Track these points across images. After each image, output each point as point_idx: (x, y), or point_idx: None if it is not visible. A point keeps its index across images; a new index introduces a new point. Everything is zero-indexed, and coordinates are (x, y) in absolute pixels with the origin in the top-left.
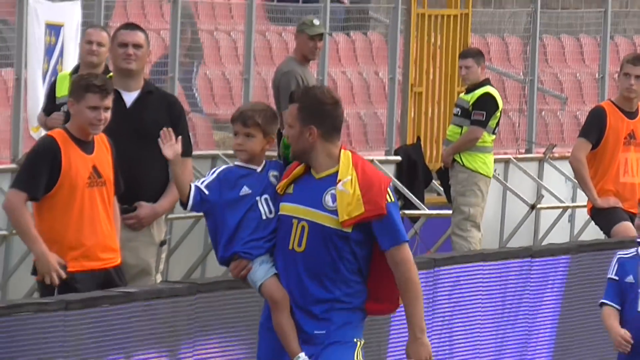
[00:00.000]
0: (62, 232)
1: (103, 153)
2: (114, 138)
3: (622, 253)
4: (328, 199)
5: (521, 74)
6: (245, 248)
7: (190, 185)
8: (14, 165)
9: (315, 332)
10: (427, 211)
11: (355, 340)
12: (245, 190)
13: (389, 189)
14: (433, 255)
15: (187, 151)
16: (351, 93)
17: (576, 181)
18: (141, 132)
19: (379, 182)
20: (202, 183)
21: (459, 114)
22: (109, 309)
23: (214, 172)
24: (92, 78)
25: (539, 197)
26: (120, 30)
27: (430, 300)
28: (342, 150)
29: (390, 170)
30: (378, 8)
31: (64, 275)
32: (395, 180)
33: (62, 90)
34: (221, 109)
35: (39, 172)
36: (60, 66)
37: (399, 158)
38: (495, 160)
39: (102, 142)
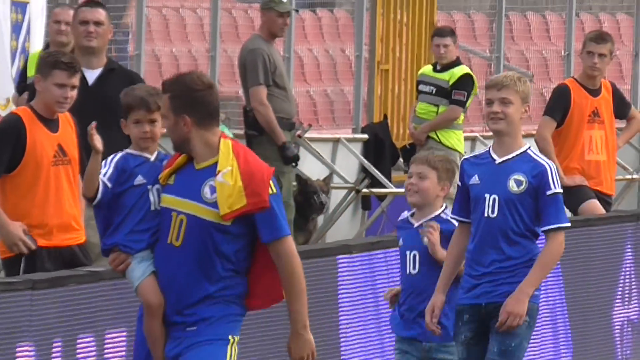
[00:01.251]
0: (27, 210)
1: (68, 132)
2: (77, 115)
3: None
4: (207, 190)
5: (487, 51)
6: (126, 240)
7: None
8: None
9: (187, 329)
10: (394, 189)
11: (229, 336)
12: (139, 179)
13: (271, 180)
14: None
15: None
16: (318, 70)
17: None
18: (104, 110)
19: (261, 173)
20: (104, 176)
21: (434, 92)
22: (76, 288)
23: (110, 161)
24: (59, 55)
25: None
26: (81, 7)
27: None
28: (222, 139)
29: (357, 148)
30: None
31: (32, 245)
32: (362, 158)
33: (33, 70)
34: None
35: (2, 149)
36: (28, 44)
37: (365, 136)
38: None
39: (67, 121)
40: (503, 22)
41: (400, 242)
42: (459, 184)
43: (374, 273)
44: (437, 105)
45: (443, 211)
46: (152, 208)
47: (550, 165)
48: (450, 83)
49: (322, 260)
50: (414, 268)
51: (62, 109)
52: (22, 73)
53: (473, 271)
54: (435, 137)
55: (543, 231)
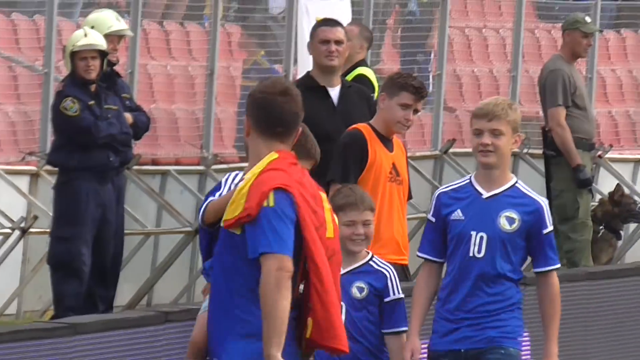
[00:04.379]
0: None
1: (400, 153)
2: (326, 134)
3: None
4: None
5: None
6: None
7: None
8: None
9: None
10: None
11: None
12: None
13: (272, 193)
14: None
15: None
16: (620, 91)
17: None
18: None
19: (269, 184)
20: (219, 196)
21: None
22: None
23: (228, 181)
24: (410, 78)
25: None
26: (320, 26)
27: None
28: (272, 153)
29: None
30: None
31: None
32: None
33: None
34: None
35: (349, 162)
36: None
37: None
38: None
39: (398, 143)
40: None
41: None
42: (432, 219)
43: None
44: None
45: (371, 259)
46: None
47: (544, 202)
48: None
49: (624, 281)
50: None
51: (401, 129)
52: None
53: (451, 315)
54: None
55: (539, 272)
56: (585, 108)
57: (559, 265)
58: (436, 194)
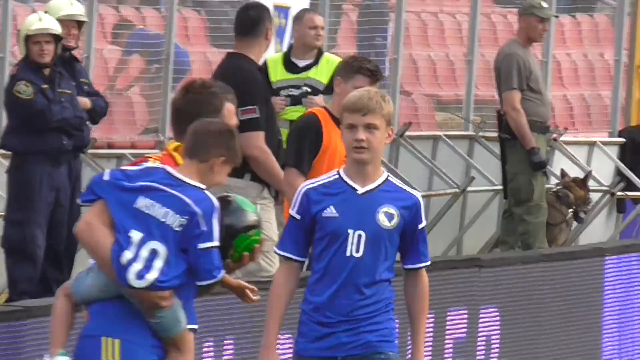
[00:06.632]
0: None
1: None
2: None
3: None
4: None
5: None
6: None
7: None
8: None
9: None
10: None
11: None
12: None
13: None
14: None
15: None
16: (575, 75)
17: None
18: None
19: None
20: None
21: None
22: None
23: None
24: (364, 61)
25: None
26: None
27: None
28: None
29: (613, 152)
30: None
31: None
32: (618, 161)
33: (277, 75)
34: (444, 90)
35: (302, 146)
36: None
37: (622, 140)
38: None
39: None
40: None
41: None
42: (297, 217)
43: (630, 276)
44: None
45: None
46: None
47: (419, 196)
48: None
49: (578, 262)
50: None
51: None
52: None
53: (324, 317)
54: None
55: (411, 269)
56: (541, 92)
57: (429, 263)
58: (302, 190)
